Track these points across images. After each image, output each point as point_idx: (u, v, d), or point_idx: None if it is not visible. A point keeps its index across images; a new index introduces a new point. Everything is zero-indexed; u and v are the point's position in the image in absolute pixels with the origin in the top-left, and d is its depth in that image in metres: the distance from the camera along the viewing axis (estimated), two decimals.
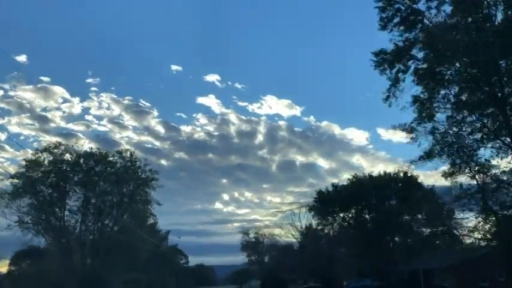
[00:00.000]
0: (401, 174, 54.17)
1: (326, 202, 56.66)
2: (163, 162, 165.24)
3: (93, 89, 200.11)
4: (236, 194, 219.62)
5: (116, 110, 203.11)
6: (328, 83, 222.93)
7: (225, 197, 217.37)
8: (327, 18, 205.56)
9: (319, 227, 62.17)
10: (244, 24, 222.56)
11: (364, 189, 54.03)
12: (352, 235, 54.66)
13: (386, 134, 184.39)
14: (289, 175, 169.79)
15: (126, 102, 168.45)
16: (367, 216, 55.86)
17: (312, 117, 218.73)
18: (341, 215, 57.16)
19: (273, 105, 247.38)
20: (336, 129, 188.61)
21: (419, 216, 53.30)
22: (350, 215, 56.67)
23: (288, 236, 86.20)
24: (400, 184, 54.74)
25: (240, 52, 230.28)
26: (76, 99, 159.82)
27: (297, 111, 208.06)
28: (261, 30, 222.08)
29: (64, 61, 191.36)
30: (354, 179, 56.60)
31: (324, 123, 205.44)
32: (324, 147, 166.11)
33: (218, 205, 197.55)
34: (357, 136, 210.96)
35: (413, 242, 51.45)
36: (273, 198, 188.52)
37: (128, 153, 50.00)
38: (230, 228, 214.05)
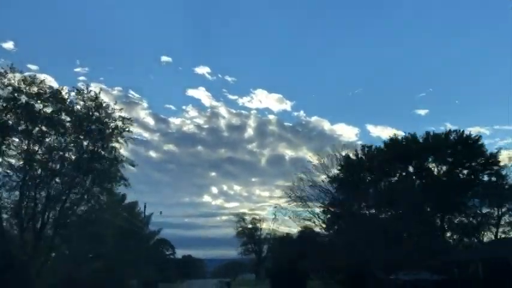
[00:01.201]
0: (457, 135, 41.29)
1: (356, 171, 43.07)
2: (152, 154, 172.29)
3: (81, 78, 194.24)
4: (225, 187, 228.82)
5: (105, 100, 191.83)
6: (318, 78, 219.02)
7: (214, 190, 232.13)
8: (317, 11, 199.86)
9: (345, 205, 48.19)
10: (235, 16, 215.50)
11: (409, 151, 40.74)
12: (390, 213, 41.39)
13: (375, 130, 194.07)
14: (278, 169, 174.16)
15: (115, 92, 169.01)
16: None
17: (301, 112, 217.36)
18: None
19: (263, 99, 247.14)
20: (326, 125, 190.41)
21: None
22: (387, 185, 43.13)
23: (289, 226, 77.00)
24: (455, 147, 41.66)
25: (231, 45, 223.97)
26: (64, 89, 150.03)
27: (287, 105, 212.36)
28: (252, 23, 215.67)
29: (52, 49, 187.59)
30: (394, 139, 42.92)
31: (314, 119, 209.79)
32: (314, 142, 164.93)
33: (207, 198, 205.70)
34: (347, 132, 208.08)
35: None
36: (261, 192, 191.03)
37: (92, 94, 35.45)
38: (219, 221, 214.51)
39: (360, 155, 43.93)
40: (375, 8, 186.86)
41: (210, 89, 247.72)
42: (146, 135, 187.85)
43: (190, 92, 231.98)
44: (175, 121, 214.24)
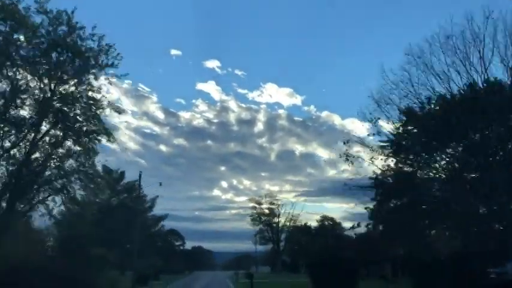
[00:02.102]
0: None
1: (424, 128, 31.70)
2: (162, 147, 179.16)
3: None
4: (234, 182, 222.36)
5: (115, 94, 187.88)
6: (329, 72, 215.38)
7: (224, 184, 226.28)
8: (329, 6, 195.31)
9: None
10: (245, 10, 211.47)
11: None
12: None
13: (387, 125, 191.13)
14: (287, 164, 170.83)
15: (125, 86, 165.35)
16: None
17: (312, 107, 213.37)
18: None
19: (273, 94, 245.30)
20: (336, 119, 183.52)
21: None
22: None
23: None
24: None
25: (241, 38, 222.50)
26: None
27: (297, 100, 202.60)
28: (262, 16, 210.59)
29: None
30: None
31: (325, 113, 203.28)
32: (324, 137, 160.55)
33: (216, 192, 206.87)
34: (358, 126, 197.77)
35: None
36: (271, 186, 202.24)
37: (64, 15, 25.07)
38: (228, 215, 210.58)
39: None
40: (384, 4, 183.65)
41: (220, 83, 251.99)
42: (156, 129, 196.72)
43: (200, 86, 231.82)
44: (185, 115, 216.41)
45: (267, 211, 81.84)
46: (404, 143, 32.59)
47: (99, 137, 26.39)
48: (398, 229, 32.85)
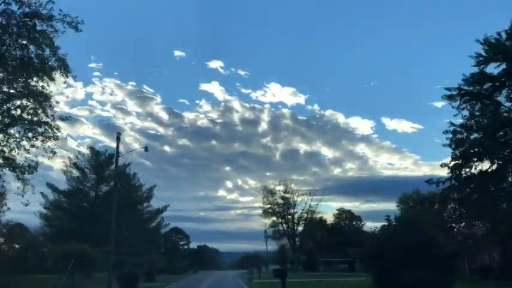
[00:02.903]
0: None
1: None
2: (166, 148, 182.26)
3: (96, 73, 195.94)
4: (239, 182, 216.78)
5: (119, 96, 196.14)
6: (332, 71, 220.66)
7: (228, 184, 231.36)
8: (332, 4, 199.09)
9: None
10: (248, 10, 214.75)
11: None
12: None
13: (391, 123, 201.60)
14: (292, 163, 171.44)
15: (129, 87, 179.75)
16: None
17: (316, 106, 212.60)
18: None
19: (277, 93, 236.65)
20: (340, 118, 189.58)
21: None
22: None
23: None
24: None
25: (244, 38, 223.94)
26: (79, 84, 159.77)
27: (301, 99, 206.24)
28: (265, 16, 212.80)
29: (67, 45, 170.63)
30: None
31: (328, 112, 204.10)
32: (328, 136, 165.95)
33: (221, 192, 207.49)
34: (361, 125, 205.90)
35: None
36: (276, 186, 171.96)
37: None
38: (233, 215, 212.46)
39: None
40: (389, 1, 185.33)
41: (223, 83, 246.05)
42: (161, 129, 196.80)
43: (204, 87, 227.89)
44: (189, 116, 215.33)
45: (280, 200, 72.18)
46: None
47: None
48: None
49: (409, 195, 62.48)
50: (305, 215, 71.18)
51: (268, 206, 72.10)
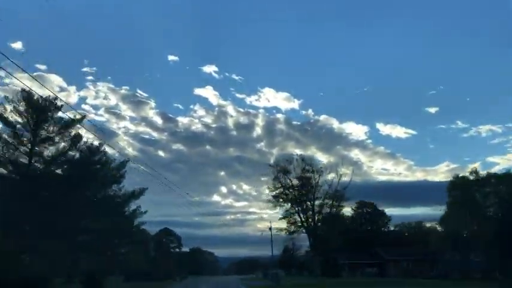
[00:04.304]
0: None
1: None
2: (160, 153, 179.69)
3: (89, 78, 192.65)
4: (234, 187, 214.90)
5: (113, 100, 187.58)
6: (326, 76, 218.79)
7: (223, 189, 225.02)
8: (325, 10, 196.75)
9: None
10: (242, 15, 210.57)
11: None
12: None
13: (384, 128, 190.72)
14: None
15: (123, 92, 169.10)
16: None
17: (310, 111, 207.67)
18: None
19: (271, 98, 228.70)
20: (335, 123, 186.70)
21: None
22: None
23: None
24: None
25: (238, 43, 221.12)
26: (72, 88, 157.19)
27: (295, 104, 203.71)
28: (259, 21, 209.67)
29: (60, 49, 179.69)
30: None
31: (323, 117, 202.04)
32: (322, 141, 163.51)
33: (216, 197, 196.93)
34: (356, 130, 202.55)
35: None
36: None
37: None
38: (228, 220, 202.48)
39: None
40: (382, 7, 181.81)
41: (218, 88, 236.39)
42: (155, 134, 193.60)
43: (198, 91, 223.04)
44: (183, 120, 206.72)
45: (296, 181, 54.12)
46: None
47: None
48: None
49: None
50: (330, 202, 53.49)
51: (280, 189, 54.23)
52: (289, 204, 55.72)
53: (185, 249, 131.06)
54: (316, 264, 57.84)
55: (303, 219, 55.61)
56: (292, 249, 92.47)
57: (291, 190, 55.44)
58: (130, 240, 48.33)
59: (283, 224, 58.00)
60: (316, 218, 55.40)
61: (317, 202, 55.28)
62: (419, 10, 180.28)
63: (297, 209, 55.37)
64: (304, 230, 56.22)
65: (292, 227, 57.03)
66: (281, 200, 56.07)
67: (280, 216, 58.26)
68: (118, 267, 52.58)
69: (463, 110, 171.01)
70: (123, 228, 44.17)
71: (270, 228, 73.86)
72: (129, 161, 45.94)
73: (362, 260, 63.54)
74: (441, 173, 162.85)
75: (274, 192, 55.36)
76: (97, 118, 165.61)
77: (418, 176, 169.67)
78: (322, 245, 52.58)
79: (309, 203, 55.19)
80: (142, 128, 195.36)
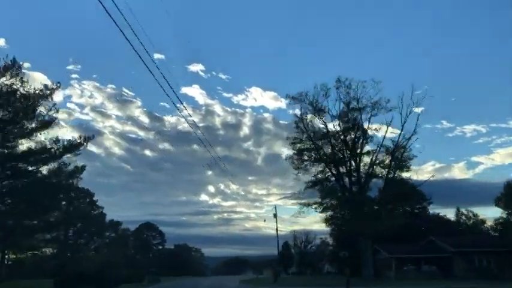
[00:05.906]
0: None
1: None
2: (147, 152, 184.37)
3: (74, 76, 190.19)
4: (221, 186, 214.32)
5: (99, 99, 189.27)
6: (312, 75, 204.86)
7: (210, 188, 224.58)
8: (312, 9, 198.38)
9: None
10: (229, 13, 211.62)
11: None
12: None
13: (370, 127, 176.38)
14: (274, 168, 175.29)
15: (108, 90, 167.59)
16: None
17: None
18: None
19: (258, 97, 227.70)
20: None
21: None
22: None
23: None
24: None
25: (224, 42, 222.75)
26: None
27: (282, 103, 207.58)
28: (245, 20, 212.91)
29: (45, 47, 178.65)
30: None
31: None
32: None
33: (203, 197, 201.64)
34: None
35: None
36: (258, 190, 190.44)
37: None
38: (215, 219, 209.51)
39: None
40: (370, 6, 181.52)
41: (204, 86, 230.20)
42: (141, 133, 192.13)
43: (185, 90, 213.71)
44: (170, 119, 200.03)
45: (337, 127, 33.69)
46: None
47: None
48: None
49: None
50: (388, 160, 33.94)
51: (307, 142, 34.12)
52: (323, 164, 34.94)
53: (170, 246, 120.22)
54: (346, 264, 38.54)
55: (341, 185, 35.13)
56: (304, 243, 75.63)
57: (327, 141, 34.52)
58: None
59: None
60: (363, 180, 35.46)
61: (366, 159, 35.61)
62: (403, 11, 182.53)
63: (334, 172, 34.93)
64: (347, 211, 35.96)
65: (325, 194, 35.53)
66: (306, 157, 35.83)
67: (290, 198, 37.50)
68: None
69: (449, 109, 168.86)
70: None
71: (275, 215, 57.18)
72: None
73: (414, 254, 44.32)
74: (427, 172, 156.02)
75: (298, 146, 35.23)
76: (82, 117, 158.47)
77: (405, 174, 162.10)
78: (369, 228, 33.08)
79: (353, 161, 35.27)
80: (128, 127, 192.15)
